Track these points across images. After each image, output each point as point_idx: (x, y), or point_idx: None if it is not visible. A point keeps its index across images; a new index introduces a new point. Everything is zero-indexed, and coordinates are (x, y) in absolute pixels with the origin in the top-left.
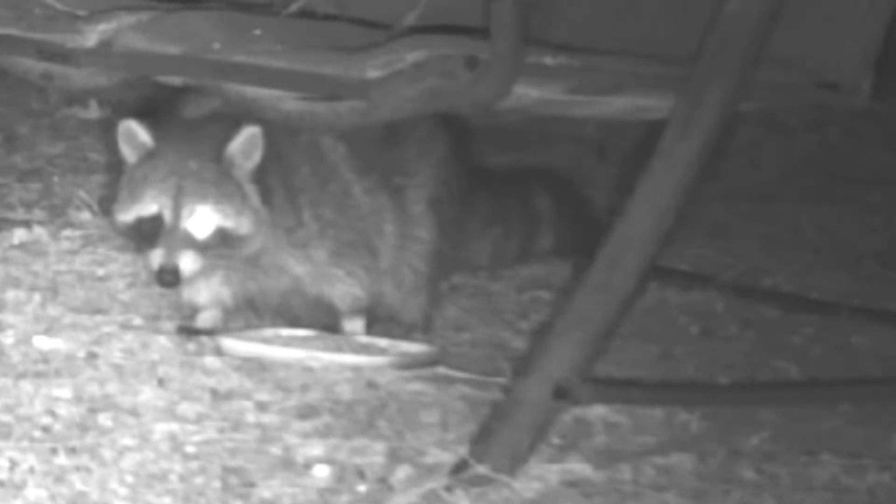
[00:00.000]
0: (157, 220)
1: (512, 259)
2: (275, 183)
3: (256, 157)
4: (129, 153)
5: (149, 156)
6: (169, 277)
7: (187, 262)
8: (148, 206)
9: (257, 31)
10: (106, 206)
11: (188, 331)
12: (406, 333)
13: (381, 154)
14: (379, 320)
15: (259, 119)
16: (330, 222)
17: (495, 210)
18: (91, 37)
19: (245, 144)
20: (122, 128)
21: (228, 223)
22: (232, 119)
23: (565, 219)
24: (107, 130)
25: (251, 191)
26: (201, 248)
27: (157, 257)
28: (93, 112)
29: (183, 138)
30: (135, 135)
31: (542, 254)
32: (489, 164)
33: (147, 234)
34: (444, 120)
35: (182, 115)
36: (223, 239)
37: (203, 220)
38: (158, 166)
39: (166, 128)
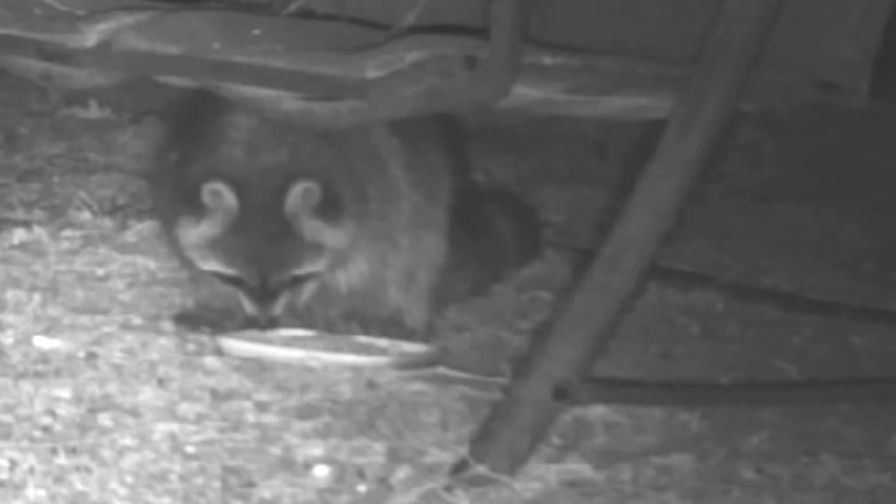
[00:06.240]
0: (241, 280)
1: (485, 289)
2: (342, 190)
3: (315, 196)
4: (212, 205)
5: (232, 227)
6: (263, 322)
7: (278, 308)
8: (230, 273)
9: (257, 31)
10: (107, 206)
11: (186, 320)
12: (406, 335)
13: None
14: (379, 321)
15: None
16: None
17: (472, 245)
18: (91, 37)
19: (299, 198)
20: (210, 187)
21: (306, 270)
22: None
23: (524, 236)
24: (107, 131)
25: (319, 229)
26: (287, 289)
27: (250, 308)
28: (93, 112)
29: (262, 208)
30: (220, 196)
31: (508, 275)
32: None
33: (229, 279)
34: (443, 126)
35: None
36: (305, 279)
37: (285, 283)
38: (240, 248)
39: (246, 186)
